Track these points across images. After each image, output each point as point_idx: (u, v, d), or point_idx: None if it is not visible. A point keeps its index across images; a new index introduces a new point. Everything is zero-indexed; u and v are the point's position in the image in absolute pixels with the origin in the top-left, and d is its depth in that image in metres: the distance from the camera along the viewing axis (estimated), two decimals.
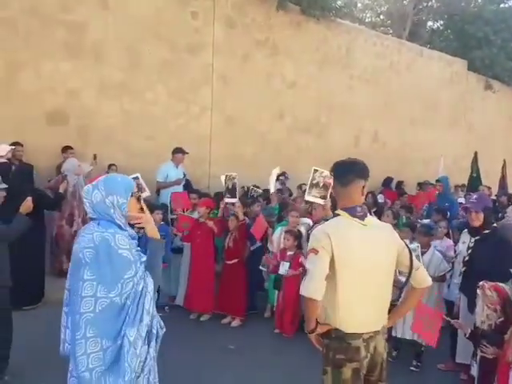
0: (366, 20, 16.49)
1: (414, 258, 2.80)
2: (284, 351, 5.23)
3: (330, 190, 5.00)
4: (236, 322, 6.00)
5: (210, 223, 6.03)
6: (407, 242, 4.88)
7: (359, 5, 15.42)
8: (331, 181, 4.83)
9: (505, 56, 15.26)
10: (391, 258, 2.72)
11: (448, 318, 3.96)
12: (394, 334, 4.99)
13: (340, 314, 2.59)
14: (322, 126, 11.49)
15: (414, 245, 4.86)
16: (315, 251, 2.57)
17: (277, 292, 5.93)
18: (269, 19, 10.37)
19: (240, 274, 6.06)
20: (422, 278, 2.82)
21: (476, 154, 11.62)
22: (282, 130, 10.78)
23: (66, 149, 7.74)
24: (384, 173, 11.61)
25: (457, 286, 4.61)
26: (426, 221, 6.78)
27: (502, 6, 17.01)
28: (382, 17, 17.25)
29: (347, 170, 2.74)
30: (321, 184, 5.11)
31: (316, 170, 5.11)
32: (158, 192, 8.26)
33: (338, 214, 2.70)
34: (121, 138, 8.57)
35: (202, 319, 6.08)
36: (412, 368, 4.92)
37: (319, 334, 2.69)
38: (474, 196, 4.62)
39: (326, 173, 5.09)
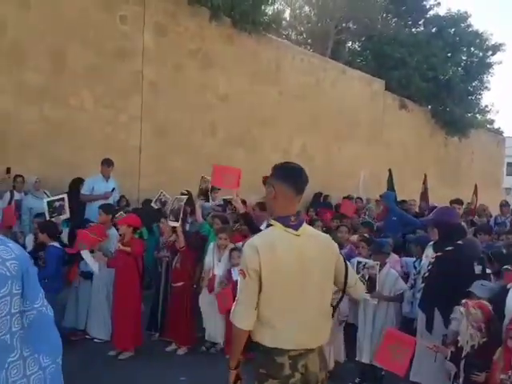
0: (292, 37, 16.80)
1: (350, 272, 2.66)
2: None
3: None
4: (182, 350, 5.57)
5: (119, 246, 5.41)
6: (368, 260, 4.84)
7: (284, 22, 15.66)
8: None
9: (419, 77, 16.24)
10: (326, 271, 2.55)
11: (427, 344, 3.79)
12: (357, 358, 4.84)
13: (264, 328, 2.43)
14: (253, 141, 11.42)
15: (374, 262, 4.77)
16: (243, 274, 2.41)
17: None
18: (201, 30, 10.14)
19: (187, 298, 5.61)
20: (358, 294, 2.76)
21: (390, 170, 12.04)
22: (215, 143, 10.54)
23: None
24: (312, 186, 11.71)
25: None
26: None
27: (413, 30, 18.18)
28: (304, 35, 17.67)
29: (304, 177, 2.55)
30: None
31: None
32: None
33: (271, 224, 2.51)
34: (41, 146, 7.84)
35: (120, 357, 5.34)
36: None
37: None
38: (433, 211, 4.60)
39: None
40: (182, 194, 8.14)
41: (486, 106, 20.52)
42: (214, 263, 5.60)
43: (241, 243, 5.80)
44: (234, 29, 10.75)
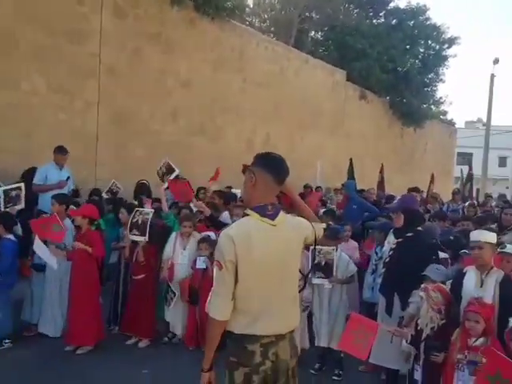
0: (256, 25, 16.54)
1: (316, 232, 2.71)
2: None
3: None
4: (144, 343, 5.39)
5: (79, 245, 5.10)
6: (323, 246, 4.84)
7: (247, 9, 15.39)
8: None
9: (379, 68, 16.41)
10: (298, 258, 2.63)
11: (388, 328, 3.88)
12: (316, 343, 4.91)
13: (238, 315, 2.45)
14: (216, 129, 11.18)
15: (330, 248, 4.86)
16: (219, 265, 2.41)
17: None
18: (162, 13, 9.75)
19: (148, 290, 5.44)
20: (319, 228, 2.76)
21: (351, 160, 12.16)
22: (175, 131, 10.22)
23: None
24: None
25: None
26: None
27: (374, 21, 18.30)
28: (268, 23, 17.46)
29: (286, 168, 2.55)
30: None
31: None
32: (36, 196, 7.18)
33: (247, 214, 2.50)
34: None
35: (78, 352, 5.10)
36: (335, 377, 4.82)
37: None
38: (398, 198, 4.68)
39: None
40: (138, 183, 7.88)
41: (441, 98, 21.01)
42: (178, 252, 5.51)
43: (205, 233, 5.70)
44: (196, 13, 10.43)
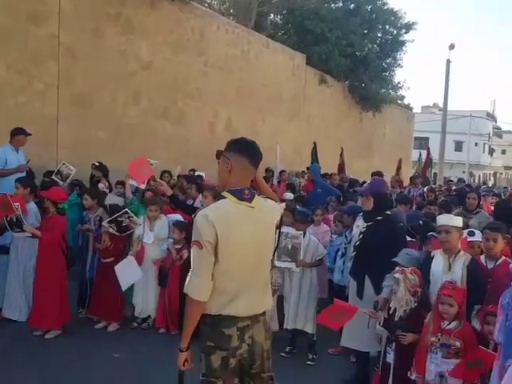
0: (215, 7, 16.45)
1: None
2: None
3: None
4: (113, 326, 5.46)
5: (29, 229, 5.07)
6: (291, 230, 4.99)
7: None
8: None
9: (338, 53, 16.66)
10: (273, 240, 2.70)
11: (364, 310, 3.91)
12: (285, 326, 4.99)
13: (215, 296, 2.48)
14: (178, 111, 11.18)
15: (297, 232, 4.95)
16: (199, 245, 2.42)
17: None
18: None
19: None
20: None
21: (315, 143, 12.44)
22: (138, 114, 10.19)
23: None
24: None
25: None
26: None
27: (333, 5, 18.49)
28: (227, 5, 17.39)
29: (259, 152, 2.63)
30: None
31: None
32: None
33: (224, 197, 2.55)
34: None
35: (47, 336, 5.12)
36: (309, 362, 4.91)
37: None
38: (368, 181, 4.77)
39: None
40: (92, 166, 7.83)
41: (399, 83, 21.48)
42: (146, 233, 5.57)
43: (172, 215, 5.80)
44: None
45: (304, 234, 5.03)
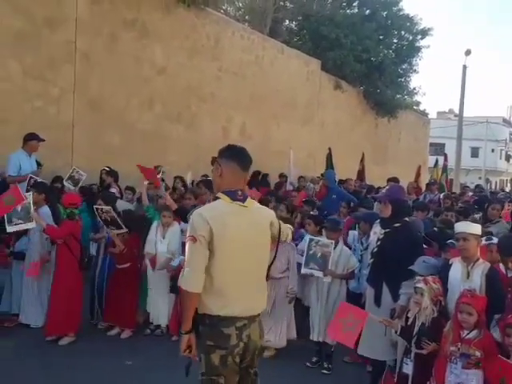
0: (231, 13, 16.50)
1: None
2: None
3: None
4: (126, 333, 5.40)
5: (39, 219, 5.06)
6: (321, 238, 4.85)
7: None
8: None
9: (353, 58, 16.58)
10: (268, 239, 2.83)
11: (378, 318, 3.81)
12: (311, 337, 4.87)
13: (213, 297, 2.60)
14: (192, 116, 11.20)
15: (328, 241, 4.79)
16: (193, 239, 2.55)
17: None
18: None
19: (132, 279, 5.45)
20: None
21: (330, 149, 12.35)
22: (152, 118, 10.22)
23: None
24: (252, 165, 11.74)
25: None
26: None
27: (348, 11, 18.44)
28: (242, 11, 17.44)
29: (248, 156, 2.82)
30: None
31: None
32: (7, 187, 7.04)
33: (218, 198, 2.71)
34: None
35: (61, 343, 5.08)
36: (324, 371, 4.79)
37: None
38: (386, 187, 4.64)
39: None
40: (103, 171, 7.83)
41: (414, 89, 21.30)
42: (158, 241, 5.51)
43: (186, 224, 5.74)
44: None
45: (336, 243, 4.87)
